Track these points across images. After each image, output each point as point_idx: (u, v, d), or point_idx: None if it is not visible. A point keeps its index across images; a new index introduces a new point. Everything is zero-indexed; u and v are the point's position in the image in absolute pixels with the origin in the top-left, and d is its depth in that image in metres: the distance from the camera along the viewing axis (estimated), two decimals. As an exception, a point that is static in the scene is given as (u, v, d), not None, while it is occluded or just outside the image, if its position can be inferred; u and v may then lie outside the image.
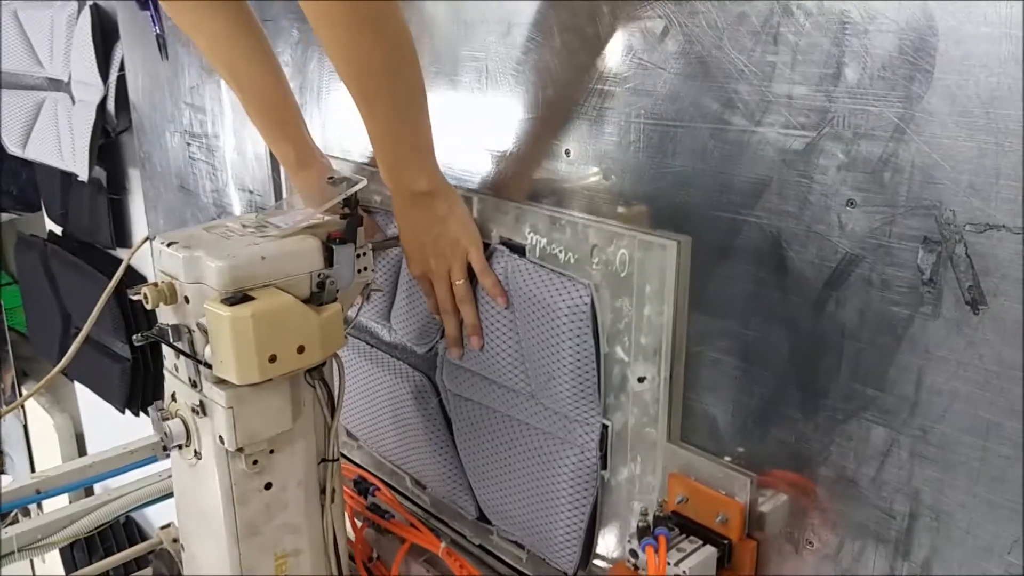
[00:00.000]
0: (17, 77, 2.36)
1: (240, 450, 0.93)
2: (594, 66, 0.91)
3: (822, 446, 0.80)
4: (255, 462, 0.95)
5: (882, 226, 0.72)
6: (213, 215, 1.78)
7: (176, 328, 0.93)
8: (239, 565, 0.98)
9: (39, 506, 1.68)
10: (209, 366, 0.89)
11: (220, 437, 0.91)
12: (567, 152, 0.97)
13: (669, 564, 0.83)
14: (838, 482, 0.80)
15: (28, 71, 2.33)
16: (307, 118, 1.21)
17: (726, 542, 0.86)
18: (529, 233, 1.01)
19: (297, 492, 1.00)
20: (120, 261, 2.18)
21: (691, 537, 0.87)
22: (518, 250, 1.03)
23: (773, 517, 0.86)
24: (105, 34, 2.07)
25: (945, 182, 0.68)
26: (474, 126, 1.08)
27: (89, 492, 1.67)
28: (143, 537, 2.43)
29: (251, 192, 1.62)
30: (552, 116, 0.98)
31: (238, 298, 0.87)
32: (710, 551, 0.86)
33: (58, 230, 2.74)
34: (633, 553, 0.86)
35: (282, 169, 1.42)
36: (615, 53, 0.89)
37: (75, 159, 2.22)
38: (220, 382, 0.90)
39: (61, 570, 2.81)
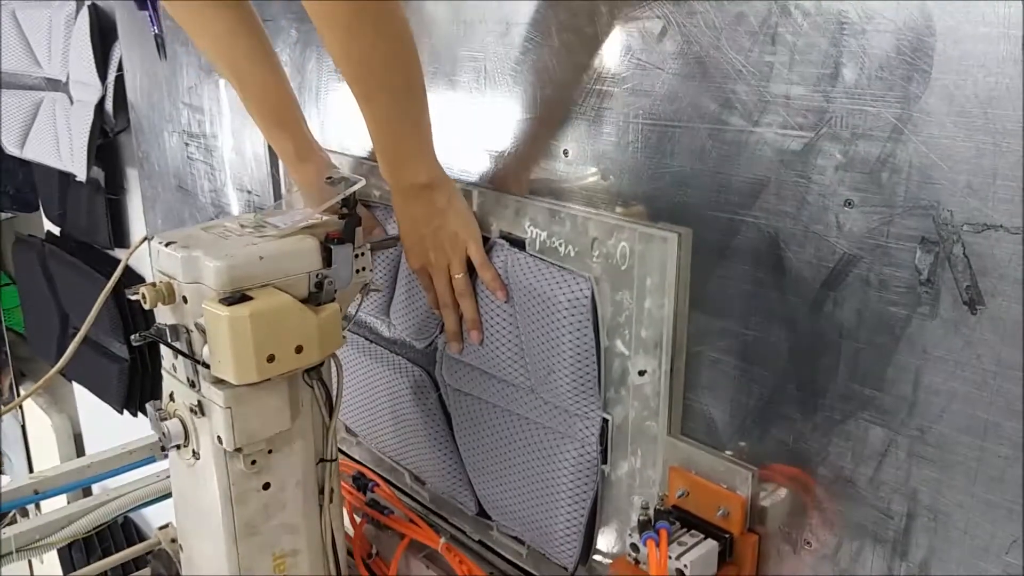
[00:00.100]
0: (15, 77, 2.36)
1: (238, 450, 0.93)
2: (592, 66, 0.91)
3: (820, 446, 0.81)
4: (253, 462, 0.95)
5: (880, 226, 0.72)
6: (211, 215, 1.78)
7: (174, 328, 0.93)
8: (237, 565, 0.98)
9: (37, 506, 1.68)
10: (207, 366, 0.89)
11: (218, 437, 0.91)
12: (565, 152, 0.97)
13: (670, 558, 0.83)
14: (836, 482, 0.80)
15: (26, 71, 2.33)
16: (306, 117, 1.21)
17: (727, 536, 0.86)
18: (529, 226, 1.01)
19: (295, 492, 1.00)
20: (118, 261, 2.18)
21: (692, 531, 0.87)
22: (518, 244, 1.03)
23: (774, 511, 0.85)
24: (103, 34, 2.07)
25: (943, 182, 0.68)
26: (473, 126, 1.08)
27: (87, 492, 1.67)
28: (141, 537, 2.43)
29: (249, 192, 1.62)
30: (550, 116, 0.98)
31: (236, 298, 0.87)
32: (711, 545, 0.85)
33: (56, 230, 2.74)
34: (634, 547, 0.86)
35: (281, 165, 1.43)
36: (613, 53, 0.89)
37: (73, 159, 2.22)
38: (218, 382, 0.90)
39: (59, 571, 2.80)
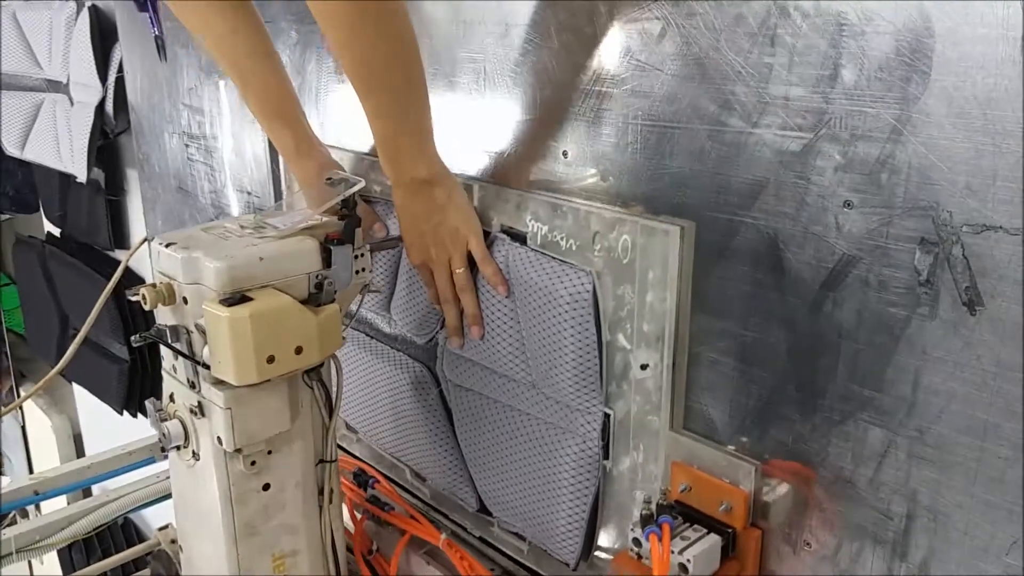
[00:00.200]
0: (16, 78, 2.37)
1: (238, 451, 0.93)
2: (592, 67, 0.92)
3: (820, 447, 0.81)
4: (253, 463, 0.95)
5: (879, 227, 0.72)
6: (211, 216, 1.78)
7: (174, 329, 0.93)
8: (237, 566, 0.98)
9: (37, 507, 1.67)
10: (207, 367, 0.89)
11: (218, 438, 0.92)
12: (565, 153, 0.97)
13: (673, 552, 0.82)
14: (836, 482, 0.80)
15: (27, 72, 2.33)
16: (305, 117, 1.21)
17: (730, 531, 0.86)
18: (530, 220, 1.01)
19: (295, 493, 1.00)
20: (118, 262, 2.18)
21: (695, 526, 0.87)
22: (519, 238, 1.03)
23: (777, 506, 0.85)
24: (104, 35, 2.07)
25: (942, 183, 0.68)
26: (472, 128, 1.08)
27: (87, 493, 1.67)
28: (141, 538, 2.43)
29: (249, 193, 1.62)
30: (550, 117, 0.98)
31: (236, 299, 0.87)
32: (714, 539, 0.85)
33: (56, 231, 2.74)
34: (636, 542, 0.85)
35: (281, 162, 1.43)
36: (613, 55, 0.89)
37: (73, 160, 2.22)
38: (218, 383, 0.90)
39: (59, 571, 2.80)
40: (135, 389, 2.42)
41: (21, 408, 3.35)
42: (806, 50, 0.74)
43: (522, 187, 1.03)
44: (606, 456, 1.00)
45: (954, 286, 0.69)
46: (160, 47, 1.78)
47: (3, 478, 3.63)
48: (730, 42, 0.79)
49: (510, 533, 1.18)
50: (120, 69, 2.03)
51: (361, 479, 1.31)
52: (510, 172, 1.05)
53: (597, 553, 1.05)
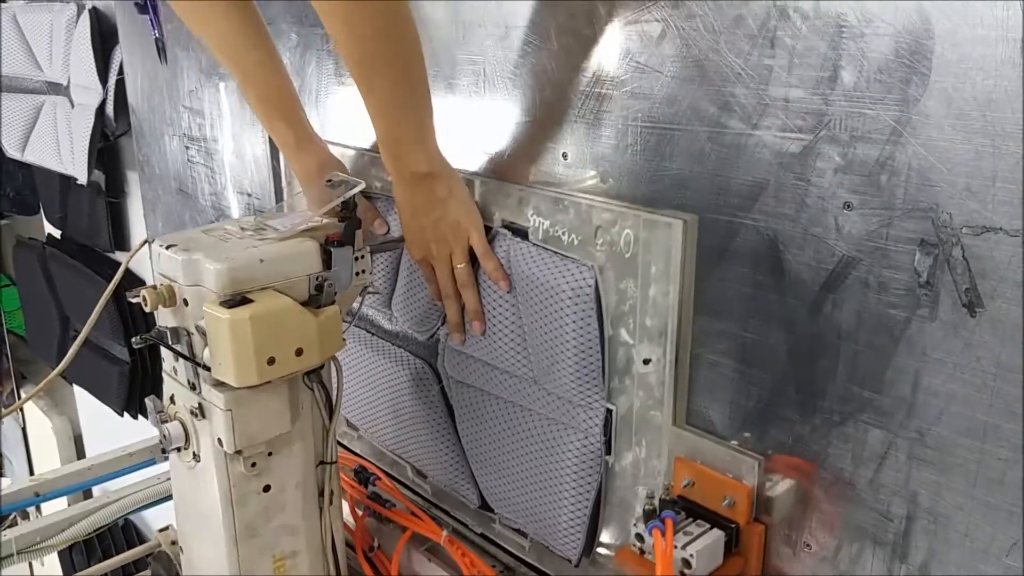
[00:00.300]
0: (16, 80, 2.37)
1: (239, 452, 0.93)
2: (591, 69, 0.92)
3: (820, 448, 0.81)
4: (253, 464, 0.95)
5: (879, 229, 0.72)
6: (211, 218, 1.78)
7: (175, 331, 0.93)
8: (238, 567, 0.98)
9: (38, 509, 1.67)
10: (208, 368, 0.89)
11: (219, 439, 0.92)
12: (564, 155, 0.97)
13: (676, 547, 0.82)
14: (836, 484, 0.80)
15: (27, 75, 2.34)
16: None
17: (733, 526, 0.85)
18: (532, 215, 1.00)
19: (295, 494, 1.00)
20: (119, 264, 2.18)
21: (698, 521, 0.86)
22: (521, 233, 1.03)
23: (781, 501, 0.85)
24: (104, 38, 2.07)
25: (942, 185, 0.68)
26: (472, 129, 1.08)
27: (88, 495, 1.67)
28: (142, 540, 2.43)
29: (249, 195, 1.62)
30: (550, 119, 0.98)
31: (236, 301, 0.87)
32: (717, 534, 0.84)
33: (57, 233, 2.74)
34: (639, 537, 0.85)
35: (282, 158, 1.43)
36: (612, 57, 0.89)
37: (74, 162, 2.23)
38: (219, 384, 0.90)
39: (60, 573, 2.80)
40: (136, 391, 2.42)
41: (22, 409, 3.36)
42: (806, 52, 0.74)
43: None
44: (608, 452, 1.00)
45: (954, 287, 0.69)
46: (160, 49, 1.78)
47: (4, 479, 3.63)
48: (730, 44, 0.79)
49: (512, 530, 1.18)
50: (120, 71, 2.03)
51: (362, 476, 1.31)
52: (510, 174, 1.05)
53: (599, 549, 1.05)
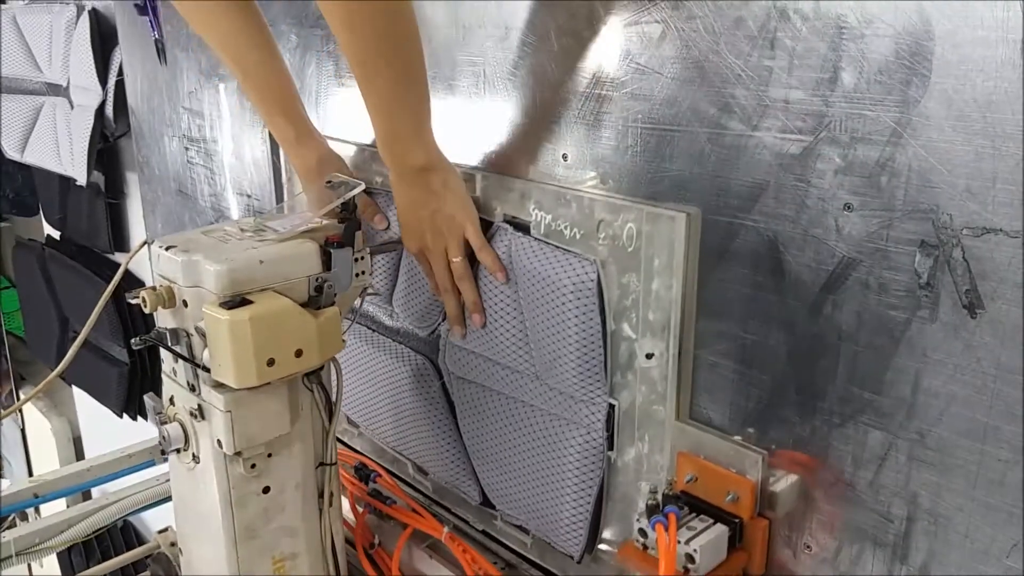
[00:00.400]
0: (16, 82, 2.37)
1: (238, 454, 0.93)
2: (591, 71, 0.92)
3: (820, 449, 0.81)
4: (253, 466, 0.95)
5: (879, 230, 0.72)
6: (211, 219, 1.78)
7: (174, 332, 0.93)
8: (237, 568, 0.98)
9: (37, 510, 1.67)
10: (207, 370, 0.89)
11: (218, 441, 0.91)
12: (565, 156, 0.97)
13: (679, 542, 0.81)
14: (836, 485, 0.80)
15: (27, 76, 2.34)
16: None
17: (737, 521, 0.85)
18: (534, 210, 1.00)
19: (295, 495, 1.00)
20: (118, 265, 2.18)
21: (701, 516, 0.86)
22: (522, 228, 1.02)
23: (784, 496, 0.84)
24: (104, 39, 2.07)
25: (942, 186, 0.68)
26: (472, 130, 1.08)
27: (87, 496, 1.67)
28: (141, 541, 2.43)
29: (249, 196, 1.62)
30: (550, 120, 0.98)
31: (236, 302, 0.87)
32: (721, 529, 0.84)
33: (56, 234, 2.74)
34: (642, 532, 0.85)
35: (282, 156, 1.43)
36: (612, 58, 0.89)
37: (73, 163, 2.22)
38: (218, 386, 0.90)
39: (59, 574, 2.80)
40: (135, 392, 2.42)
41: (21, 411, 3.35)
42: (806, 53, 0.74)
43: (522, 190, 1.03)
44: (611, 447, 0.99)
45: (954, 289, 0.69)
46: (160, 50, 1.78)
47: (3, 481, 3.63)
48: (730, 45, 0.79)
49: (513, 526, 1.17)
50: (120, 72, 2.03)
51: (363, 473, 1.31)
52: (510, 174, 1.05)
53: (601, 546, 1.05)
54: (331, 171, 1.17)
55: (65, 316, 2.71)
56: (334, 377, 1.04)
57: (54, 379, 1.85)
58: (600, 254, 0.94)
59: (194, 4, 1.11)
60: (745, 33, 0.77)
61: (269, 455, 0.96)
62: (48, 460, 3.30)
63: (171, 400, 0.99)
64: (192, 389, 0.94)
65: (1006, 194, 0.64)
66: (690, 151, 0.84)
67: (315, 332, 0.91)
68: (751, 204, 0.80)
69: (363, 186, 1.00)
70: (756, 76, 0.77)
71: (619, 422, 0.97)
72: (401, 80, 0.94)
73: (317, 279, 0.94)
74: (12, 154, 2.46)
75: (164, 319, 0.95)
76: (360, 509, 1.28)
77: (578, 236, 0.96)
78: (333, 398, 1.03)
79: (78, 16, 2.11)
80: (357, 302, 1.11)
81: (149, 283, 0.96)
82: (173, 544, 1.22)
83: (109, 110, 2.10)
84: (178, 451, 0.98)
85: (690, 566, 0.82)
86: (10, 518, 1.36)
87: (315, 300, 0.94)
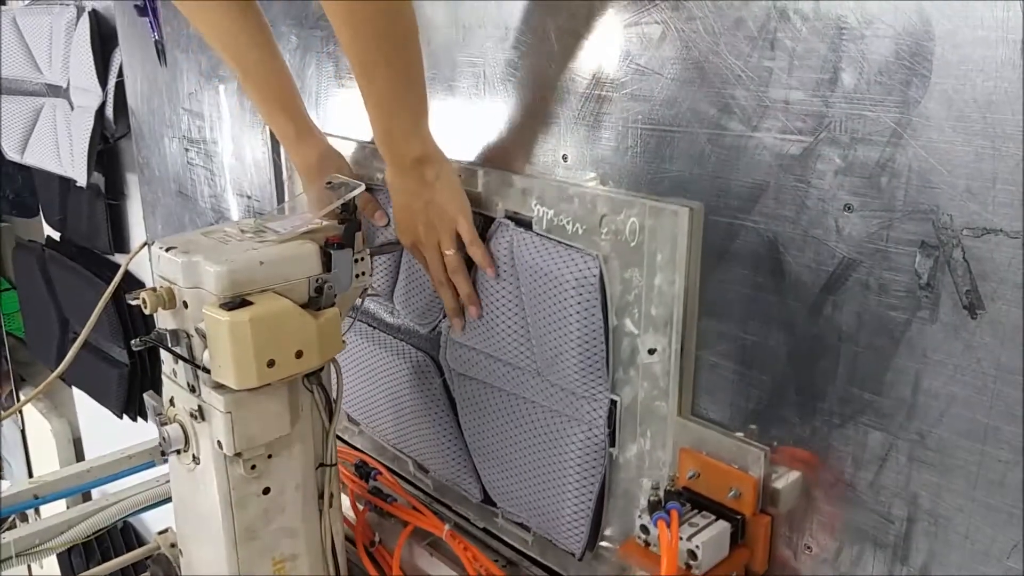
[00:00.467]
0: (16, 83, 2.37)
1: (238, 455, 0.93)
2: (591, 71, 0.92)
3: (820, 450, 0.80)
4: (253, 467, 0.95)
5: (879, 230, 0.72)
6: (211, 220, 1.78)
7: (175, 333, 0.93)
8: (237, 569, 0.98)
9: (37, 511, 1.68)
10: (207, 371, 0.89)
11: (218, 442, 0.91)
12: (564, 157, 0.97)
13: (681, 539, 0.81)
14: (836, 486, 0.80)
15: (27, 77, 2.34)
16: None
17: (739, 517, 0.85)
18: (536, 205, 1.00)
19: (295, 496, 1.00)
20: (118, 266, 2.18)
21: (703, 512, 0.86)
22: (524, 223, 1.02)
23: (787, 492, 0.84)
24: (104, 40, 2.07)
25: (942, 186, 0.68)
26: (471, 131, 1.08)
27: (87, 497, 1.67)
28: (141, 542, 2.43)
29: (249, 197, 1.62)
30: (549, 121, 0.98)
31: (236, 303, 0.87)
32: (723, 526, 0.84)
33: (56, 235, 2.74)
34: (644, 529, 0.84)
35: (283, 153, 1.43)
36: (612, 58, 0.89)
37: (74, 165, 2.23)
38: (218, 387, 0.90)
39: (59, 575, 2.80)
40: (135, 393, 2.42)
41: (21, 412, 3.35)
42: (806, 54, 0.74)
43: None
44: (612, 443, 0.99)
45: (955, 289, 0.69)
46: (160, 51, 1.78)
47: (3, 482, 3.63)
48: (730, 46, 0.79)
49: (514, 524, 1.17)
50: (120, 73, 2.03)
51: (363, 471, 1.31)
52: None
53: (603, 543, 1.04)
54: (331, 168, 1.17)
55: (65, 317, 2.71)
56: (334, 378, 1.04)
57: (54, 380, 1.85)
58: (602, 249, 0.93)
59: (195, 4, 1.12)
60: (745, 34, 0.77)
61: (269, 456, 0.96)
62: (48, 461, 3.30)
63: (171, 401, 0.99)
64: (192, 390, 0.93)
65: (1006, 194, 0.64)
66: (690, 152, 0.84)
67: (315, 333, 0.91)
68: (751, 205, 0.80)
69: (363, 187, 1.00)
70: (756, 77, 0.77)
71: (621, 418, 0.97)
72: (401, 79, 0.94)
73: (317, 280, 0.94)
74: (12, 155, 2.46)
75: (164, 320, 0.95)
76: (361, 507, 1.28)
77: (580, 231, 0.95)
78: (333, 399, 1.03)
79: (78, 17, 2.11)
80: (357, 302, 1.11)
81: (149, 284, 0.96)
82: (173, 545, 1.22)
83: (109, 111, 2.11)
84: (178, 452, 0.98)
85: (692, 563, 0.81)
86: (10, 519, 1.35)
87: (315, 301, 0.94)
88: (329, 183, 1.02)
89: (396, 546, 1.20)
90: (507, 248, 1.03)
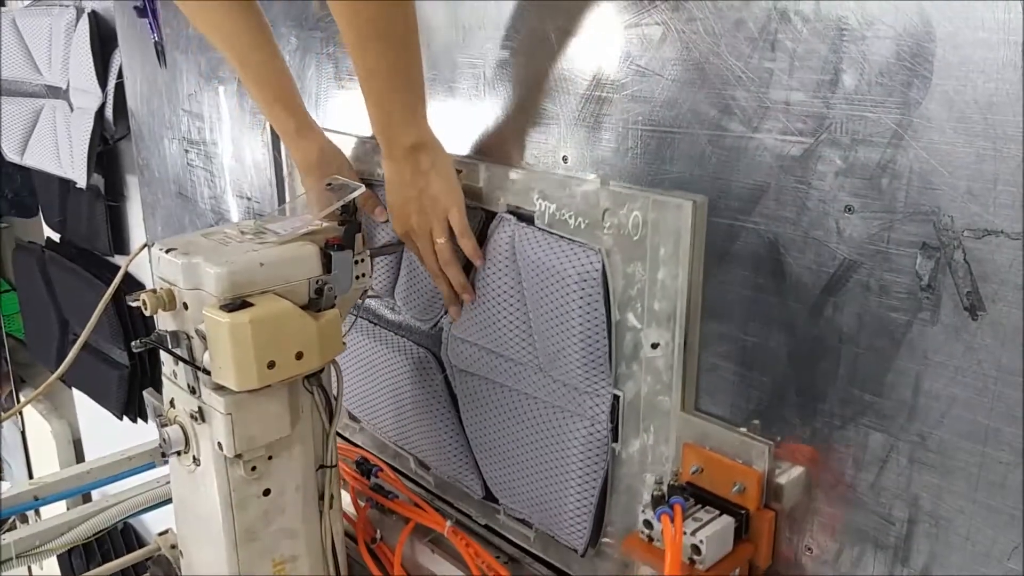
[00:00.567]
0: (16, 84, 2.37)
1: (239, 456, 0.93)
2: (592, 72, 0.92)
3: (820, 451, 0.80)
4: (253, 468, 0.95)
5: (880, 232, 0.72)
6: (211, 222, 1.78)
7: (175, 334, 0.93)
8: (238, 570, 0.98)
9: (37, 512, 1.68)
10: (208, 372, 0.89)
11: (219, 443, 0.91)
12: (565, 159, 0.97)
13: (685, 534, 0.81)
14: (837, 487, 0.80)
15: (27, 78, 2.34)
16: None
17: (743, 512, 0.84)
18: (538, 199, 0.99)
19: (295, 497, 1.00)
20: (118, 268, 2.18)
21: (707, 507, 0.85)
22: (526, 218, 1.02)
23: (791, 487, 0.84)
24: (103, 41, 2.08)
25: (943, 188, 0.68)
26: (471, 132, 1.08)
27: (87, 498, 1.67)
28: (141, 543, 2.43)
29: (249, 199, 1.62)
30: (550, 122, 0.98)
31: (237, 304, 0.87)
32: (727, 521, 0.83)
33: (56, 237, 2.75)
34: (647, 524, 0.84)
35: (283, 150, 1.43)
36: (613, 59, 0.89)
37: (73, 166, 2.23)
38: (219, 388, 0.90)
39: (59, 577, 2.80)
40: (135, 394, 2.42)
41: (21, 413, 3.35)
42: (807, 55, 0.74)
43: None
44: (615, 439, 0.98)
45: (955, 291, 0.69)
46: (160, 53, 1.78)
47: (3, 483, 3.63)
48: (730, 47, 0.79)
49: (516, 520, 1.17)
50: (120, 75, 2.03)
51: (364, 468, 1.30)
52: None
53: (605, 539, 1.04)
54: (332, 163, 1.18)
55: (65, 318, 2.71)
56: (334, 379, 1.03)
57: (54, 382, 1.85)
58: (605, 243, 0.93)
59: (197, 4, 1.12)
60: (746, 35, 0.77)
61: (269, 457, 0.96)
62: (48, 462, 3.31)
63: (171, 403, 0.98)
64: (192, 392, 0.93)
65: (1007, 196, 0.64)
66: (690, 153, 0.84)
67: (315, 334, 0.91)
68: (752, 206, 0.80)
69: (363, 188, 1.00)
70: (757, 78, 0.77)
71: (624, 413, 0.97)
72: (397, 58, 0.94)
73: (317, 281, 0.94)
74: (12, 157, 2.47)
75: (164, 322, 0.95)
76: (362, 504, 1.28)
77: (583, 225, 0.95)
78: (333, 400, 1.03)
79: (78, 18, 2.11)
80: (357, 303, 1.11)
81: (149, 286, 0.96)
82: (173, 546, 1.22)
83: (109, 113, 2.11)
84: (178, 453, 0.98)
85: (696, 557, 0.81)
86: (10, 520, 1.35)
87: (315, 303, 0.94)
88: (329, 184, 1.02)
89: (398, 543, 1.20)
90: (508, 243, 1.03)
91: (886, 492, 0.76)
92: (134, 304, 0.93)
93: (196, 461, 0.96)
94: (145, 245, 2.14)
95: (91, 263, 2.52)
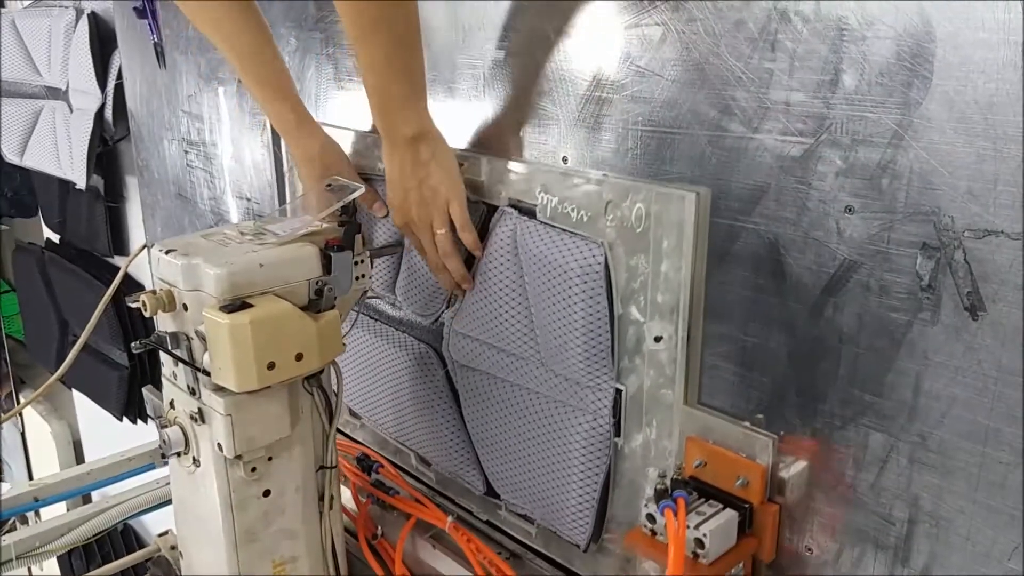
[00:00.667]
0: (15, 85, 2.37)
1: (238, 457, 0.93)
2: (592, 73, 0.92)
3: (821, 451, 0.80)
4: (253, 469, 0.95)
5: (880, 232, 0.72)
6: (211, 222, 1.78)
7: (175, 335, 0.93)
8: (238, 571, 0.98)
9: (37, 514, 1.67)
10: (208, 373, 0.89)
11: (218, 444, 0.91)
12: (564, 159, 0.97)
13: (688, 527, 0.80)
14: (837, 487, 0.80)
15: (26, 79, 2.34)
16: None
17: (747, 506, 0.84)
18: (540, 192, 0.99)
19: (295, 498, 1.00)
20: (118, 269, 2.18)
21: (710, 501, 0.85)
22: (528, 212, 1.01)
23: (794, 481, 0.83)
24: (103, 42, 2.08)
25: (944, 188, 0.68)
26: (471, 133, 1.08)
27: (87, 499, 1.67)
28: (141, 544, 2.43)
29: (249, 200, 1.62)
30: (550, 123, 0.98)
31: (236, 305, 0.87)
32: (731, 514, 0.83)
33: (56, 238, 2.75)
34: (650, 518, 0.84)
35: (283, 145, 1.43)
36: (613, 60, 0.89)
37: (73, 167, 2.23)
38: (219, 389, 0.90)
39: (59, 578, 2.80)
40: (135, 395, 2.42)
41: (21, 414, 3.35)
42: (807, 55, 0.74)
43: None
44: (617, 433, 0.98)
45: (956, 291, 0.68)
46: (159, 54, 1.78)
47: (3, 484, 3.62)
48: (730, 47, 0.79)
49: (518, 516, 1.17)
50: (119, 76, 2.03)
51: (365, 464, 1.30)
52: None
53: (608, 534, 1.04)
54: (333, 159, 1.18)
55: (65, 319, 2.71)
56: (334, 380, 1.03)
57: (54, 383, 1.85)
58: (608, 236, 0.92)
59: (197, 4, 1.13)
60: (746, 35, 0.77)
61: (269, 458, 0.96)
62: (48, 464, 3.30)
63: (171, 404, 0.98)
64: (192, 393, 0.93)
65: (1007, 196, 0.64)
66: (691, 154, 0.84)
67: (315, 335, 0.91)
68: (752, 207, 0.80)
69: (363, 189, 1.00)
70: (757, 78, 0.77)
71: (626, 407, 0.96)
72: (397, 43, 0.94)
73: (317, 282, 0.94)
74: (12, 158, 2.47)
75: (164, 323, 0.95)
76: (363, 499, 1.28)
77: (585, 218, 0.94)
78: (333, 401, 1.03)
79: (77, 19, 2.11)
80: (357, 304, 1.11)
81: (149, 287, 0.96)
82: (173, 547, 1.22)
83: (108, 114, 2.11)
84: (178, 454, 0.98)
85: (699, 551, 0.81)
86: (10, 522, 1.35)
87: (315, 303, 0.94)
88: (329, 185, 1.02)
89: (399, 539, 1.20)
90: (510, 237, 1.02)
91: (886, 492, 0.76)
92: (134, 305, 0.93)
93: (196, 462, 0.96)
94: (145, 246, 2.14)
95: (91, 264, 2.52)
